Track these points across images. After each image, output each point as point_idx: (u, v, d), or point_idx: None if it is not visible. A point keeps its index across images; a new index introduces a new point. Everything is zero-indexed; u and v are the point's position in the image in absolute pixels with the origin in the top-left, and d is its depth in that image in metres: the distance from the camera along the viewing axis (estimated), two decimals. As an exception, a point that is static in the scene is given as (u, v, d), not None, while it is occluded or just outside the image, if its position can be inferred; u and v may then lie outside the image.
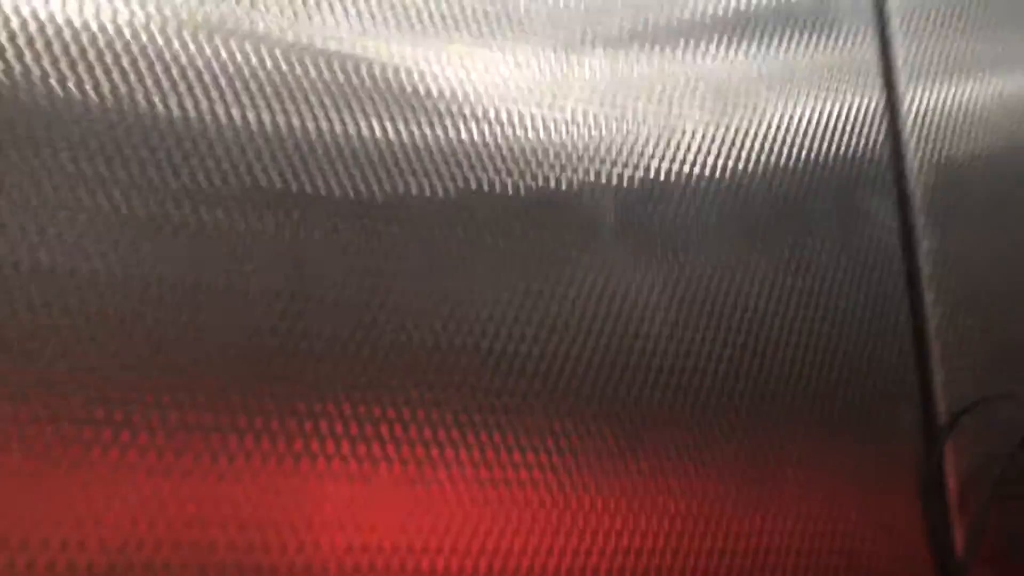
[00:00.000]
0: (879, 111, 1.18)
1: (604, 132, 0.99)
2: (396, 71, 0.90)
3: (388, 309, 0.85)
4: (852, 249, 1.12)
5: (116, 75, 0.78)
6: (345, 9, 0.89)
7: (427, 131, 0.91)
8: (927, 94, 1.23)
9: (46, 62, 0.76)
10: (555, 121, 0.98)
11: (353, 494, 0.80)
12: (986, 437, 1.14)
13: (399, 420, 0.84)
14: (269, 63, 0.84)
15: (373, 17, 0.90)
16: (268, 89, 0.84)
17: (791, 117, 1.12)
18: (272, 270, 0.82)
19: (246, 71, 0.84)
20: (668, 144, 1.03)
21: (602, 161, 0.98)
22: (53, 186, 0.75)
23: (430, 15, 0.93)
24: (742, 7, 1.12)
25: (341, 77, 0.88)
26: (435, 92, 0.92)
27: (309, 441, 0.80)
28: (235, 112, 0.83)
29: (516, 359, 0.89)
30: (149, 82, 0.80)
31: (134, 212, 0.78)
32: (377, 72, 0.89)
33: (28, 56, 0.76)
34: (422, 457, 0.84)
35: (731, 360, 1.01)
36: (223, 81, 0.83)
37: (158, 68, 0.80)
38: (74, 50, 0.77)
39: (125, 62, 0.79)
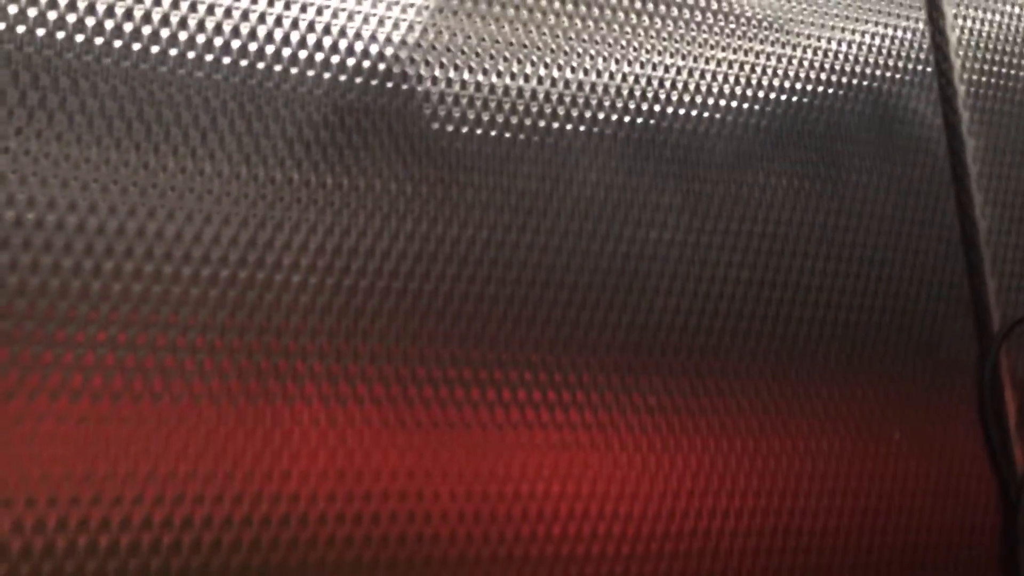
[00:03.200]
0: (921, 28, 1.11)
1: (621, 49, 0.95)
2: None
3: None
4: (891, 152, 1.05)
5: None
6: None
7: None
8: (971, 11, 1.16)
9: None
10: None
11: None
12: (1045, 347, 1.06)
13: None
14: None
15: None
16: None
17: (827, 39, 1.06)
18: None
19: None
20: (688, 59, 0.98)
21: (615, 74, 0.94)
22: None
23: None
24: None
25: None
26: None
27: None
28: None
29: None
30: None
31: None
32: None
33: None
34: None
35: (754, 269, 0.96)
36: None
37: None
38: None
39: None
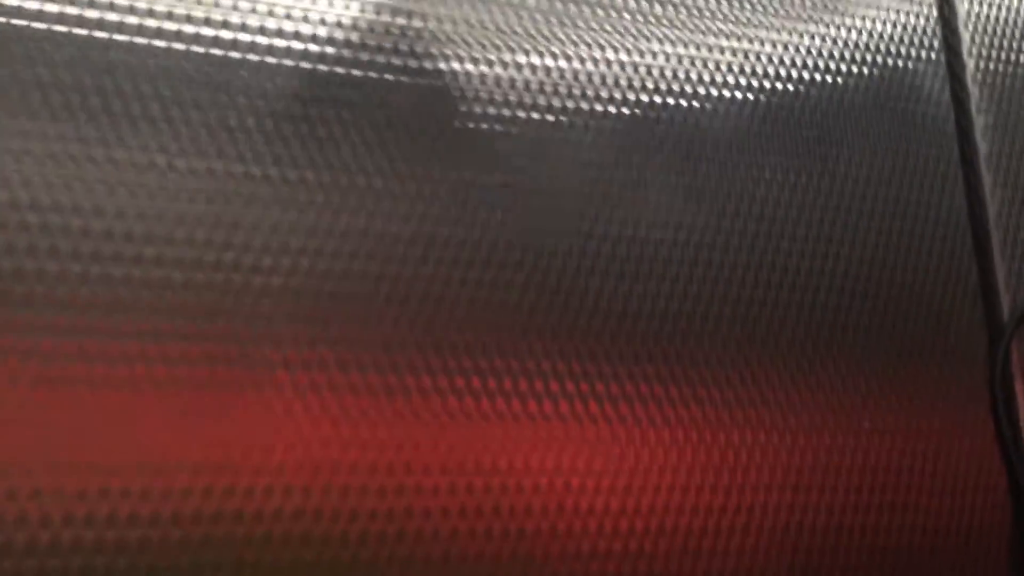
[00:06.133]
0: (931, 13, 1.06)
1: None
2: None
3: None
4: (896, 131, 1.00)
5: None
6: None
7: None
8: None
9: None
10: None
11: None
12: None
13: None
14: None
15: None
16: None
17: (828, 19, 1.00)
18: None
19: None
20: (681, 46, 0.93)
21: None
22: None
23: None
24: None
25: None
26: None
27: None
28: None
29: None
30: None
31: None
32: None
33: None
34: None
35: (751, 252, 0.91)
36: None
37: None
38: None
39: None
